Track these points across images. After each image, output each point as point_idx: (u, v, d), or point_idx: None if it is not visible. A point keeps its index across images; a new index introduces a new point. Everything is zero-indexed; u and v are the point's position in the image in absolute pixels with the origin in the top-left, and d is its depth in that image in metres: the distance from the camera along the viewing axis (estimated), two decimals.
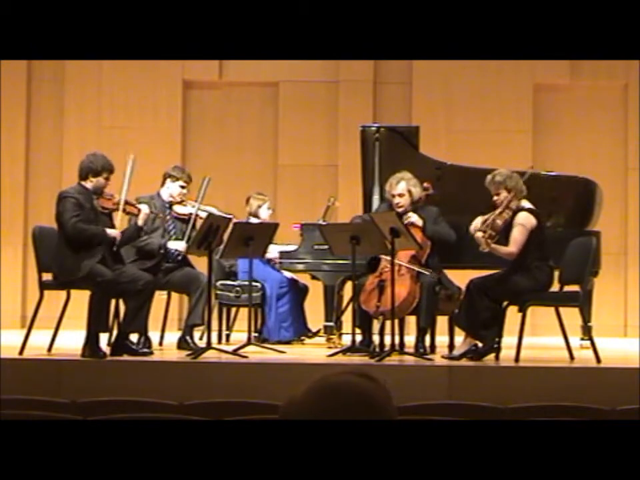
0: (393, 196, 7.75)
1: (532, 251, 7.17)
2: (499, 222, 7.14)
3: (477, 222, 7.21)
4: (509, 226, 7.18)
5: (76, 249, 7.08)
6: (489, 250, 7.08)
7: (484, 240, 7.06)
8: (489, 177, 7.32)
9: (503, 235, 7.18)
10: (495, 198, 7.24)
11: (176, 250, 7.91)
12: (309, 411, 1.89)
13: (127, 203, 7.30)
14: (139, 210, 7.39)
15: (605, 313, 10.24)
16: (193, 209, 7.95)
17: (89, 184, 7.20)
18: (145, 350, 7.38)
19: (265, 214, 8.80)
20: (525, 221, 7.20)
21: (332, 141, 11.18)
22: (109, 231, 7.17)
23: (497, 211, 7.17)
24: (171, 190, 8.04)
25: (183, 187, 8.02)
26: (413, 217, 7.64)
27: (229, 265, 8.81)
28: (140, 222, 7.40)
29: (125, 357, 7.08)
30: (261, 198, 8.88)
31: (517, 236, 7.16)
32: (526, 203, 7.29)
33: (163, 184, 8.09)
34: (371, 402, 1.92)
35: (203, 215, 7.81)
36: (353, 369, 1.99)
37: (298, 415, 1.89)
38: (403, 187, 7.73)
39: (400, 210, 7.66)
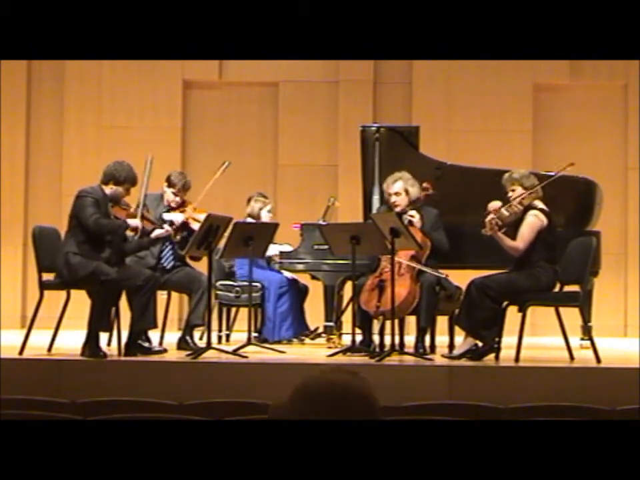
0: (390, 195, 7.76)
1: (537, 251, 7.16)
2: (507, 213, 7.12)
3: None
4: (519, 222, 7.18)
5: (88, 247, 7.07)
6: (491, 233, 7.04)
7: (488, 222, 7.04)
8: (507, 174, 7.32)
9: (512, 230, 7.17)
10: (510, 194, 7.23)
11: (171, 221, 7.84)
12: (296, 415, 1.90)
13: (143, 217, 7.29)
14: (145, 223, 7.34)
15: (605, 313, 10.23)
16: (182, 216, 7.87)
17: (108, 190, 7.20)
18: (159, 349, 7.42)
19: (265, 217, 8.77)
20: (534, 219, 7.19)
21: (332, 141, 11.18)
22: (130, 221, 7.18)
23: (509, 204, 7.16)
24: (167, 195, 8.01)
25: (175, 195, 7.96)
26: (416, 217, 7.62)
27: (229, 265, 8.80)
28: (153, 234, 7.39)
29: (123, 357, 7.08)
30: (263, 200, 8.85)
31: (525, 232, 7.16)
32: (539, 203, 7.28)
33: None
34: (354, 395, 1.93)
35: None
36: (330, 368, 1.99)
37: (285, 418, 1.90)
38: (400, 186, 7.72)
39: (397, 209, 7.67)
